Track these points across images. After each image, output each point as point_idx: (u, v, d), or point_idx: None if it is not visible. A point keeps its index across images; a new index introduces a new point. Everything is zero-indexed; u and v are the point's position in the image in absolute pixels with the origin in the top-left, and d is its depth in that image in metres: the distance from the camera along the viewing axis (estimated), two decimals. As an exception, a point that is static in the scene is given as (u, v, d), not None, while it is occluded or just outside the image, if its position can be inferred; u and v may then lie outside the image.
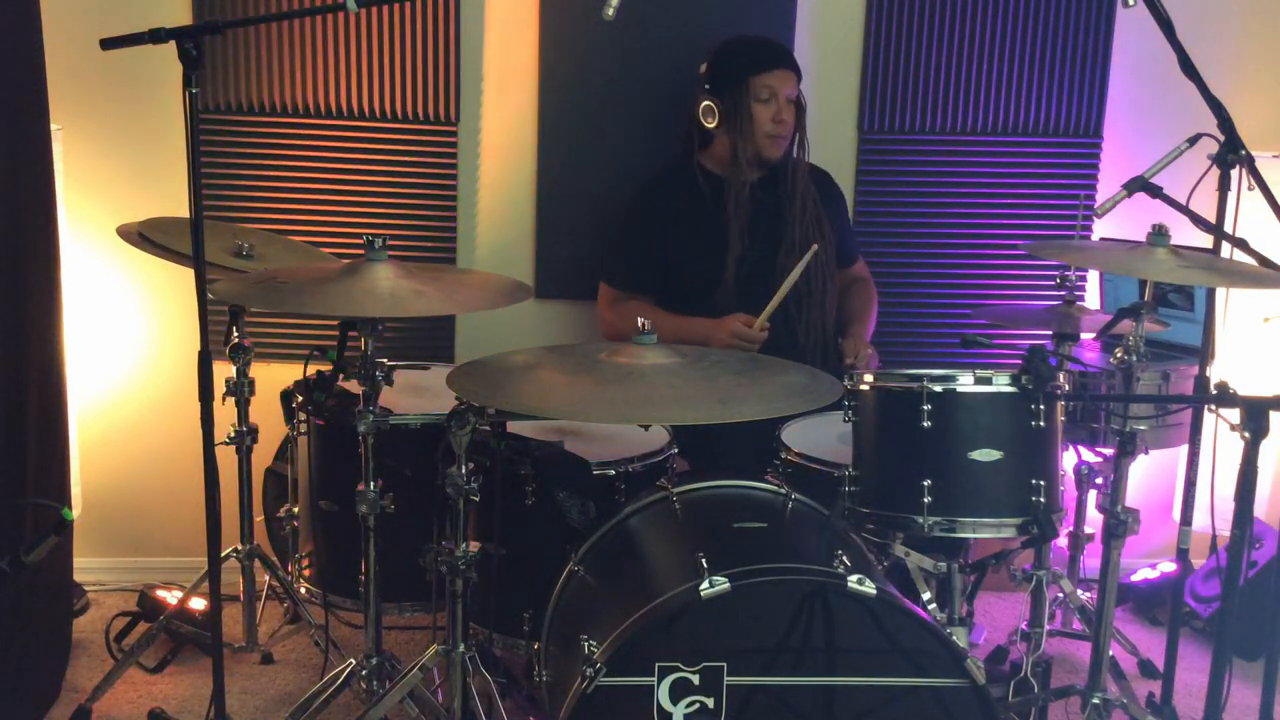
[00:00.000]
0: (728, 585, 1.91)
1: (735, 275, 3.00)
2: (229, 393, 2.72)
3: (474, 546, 2.17)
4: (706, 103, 3.02)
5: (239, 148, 3.28)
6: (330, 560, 2.68)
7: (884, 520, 2.23)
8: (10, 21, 2.60)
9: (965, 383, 2.17)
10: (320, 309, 2.25)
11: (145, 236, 2.69)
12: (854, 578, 1.94)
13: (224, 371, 2.56)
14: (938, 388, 2.16)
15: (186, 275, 2.15)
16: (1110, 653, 2.56)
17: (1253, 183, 2.32)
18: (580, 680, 1.92)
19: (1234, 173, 2.38)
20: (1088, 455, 2.78)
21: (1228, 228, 2.43)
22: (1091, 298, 3.47)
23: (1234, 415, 1.97)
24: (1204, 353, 2.61)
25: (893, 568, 2.31)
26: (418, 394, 2.80)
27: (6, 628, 2.59)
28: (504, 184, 3.42)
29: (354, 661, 2.47)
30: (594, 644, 1.97)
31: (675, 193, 3.08)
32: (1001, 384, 2.16)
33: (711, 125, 3.02)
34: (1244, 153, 2.34)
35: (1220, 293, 2.66)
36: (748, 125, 2.96)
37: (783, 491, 2.36)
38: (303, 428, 2.64)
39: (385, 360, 2.31)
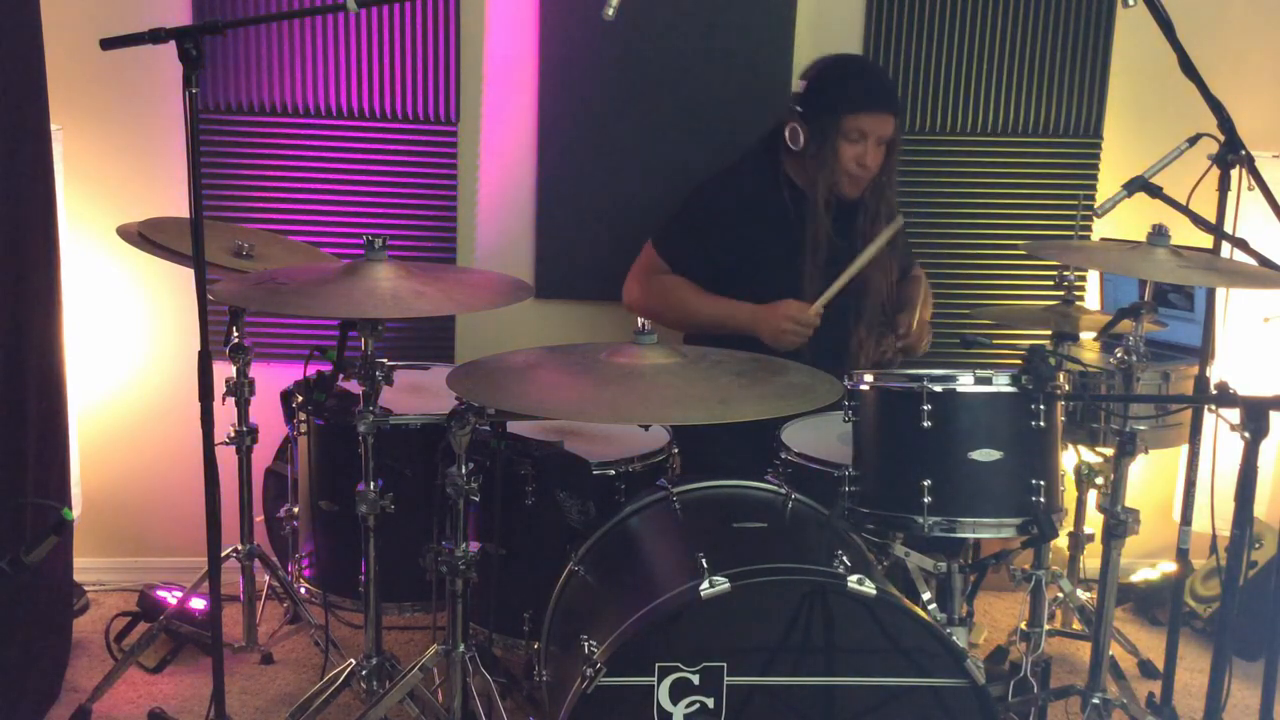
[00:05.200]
0: (728, 585, 1.91)
1: (807, 294, 2.86)
2: (229, 393, 2.72)
3: (474, 546, 2.18)
4: (794, 125, 2.89)
5: (239, 148, 3.28)
6: (330, 560, 2.68)
7: (884, 520, 2.23)
8: (10, 21, 2.60)
9: (965, 383, 2.16)
10: (320, 309, 2.25)
11: (145, 236, 2.69)
12: (854, 578, 1.94)
13: (224, 371, 2.56)
14: (938, 388, 2.16)
15: (186, 275, 2.15)
16: (1110, 653, 2.56)
17: (1253, 183, 2.31)
18: (580, 680, 1.92)
19: (1234, 173, 2.38)
20: (1088, 455, 2.78)
21: (1228, 228, 2.43)
22: (1091, 298, 3.47)
23: (1234, 415, 1.97)
24: (1204, 353, 2.61)
25: (893, 568, 2.30)
26: (418, 394, 2.80)
27: (6, 628, 2.59)
28: (504, 184, 3.42)
29: (354, 661, 2.47)
30: (594, 644, 1.97)
31: (755, 191, 2.98)
32: (1001, 384, 2.16)
33: (796, 149, 2.91)
34: (1244, 153, 2.34)
35: (1220, 293, 2.65)
36: (832, 161, 2.85)
37: (783, 491, 2.36)
38: (303, 428, 2.64)
39: (385, 360, 2.31)
